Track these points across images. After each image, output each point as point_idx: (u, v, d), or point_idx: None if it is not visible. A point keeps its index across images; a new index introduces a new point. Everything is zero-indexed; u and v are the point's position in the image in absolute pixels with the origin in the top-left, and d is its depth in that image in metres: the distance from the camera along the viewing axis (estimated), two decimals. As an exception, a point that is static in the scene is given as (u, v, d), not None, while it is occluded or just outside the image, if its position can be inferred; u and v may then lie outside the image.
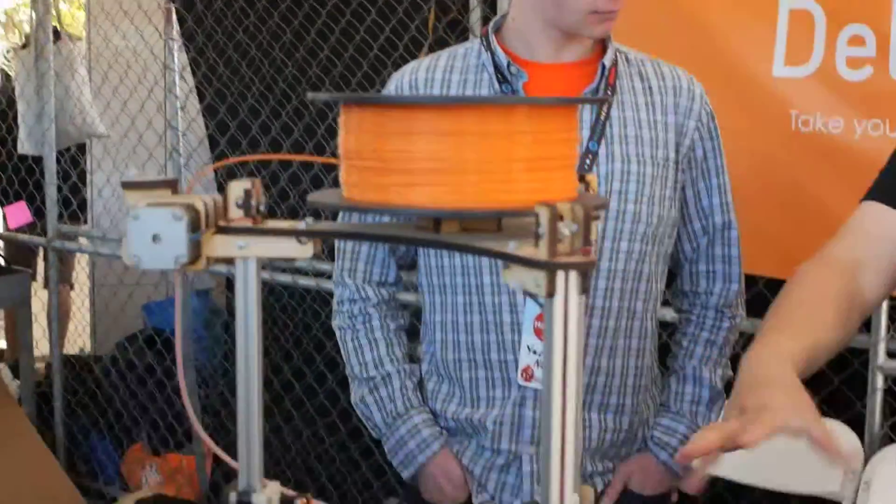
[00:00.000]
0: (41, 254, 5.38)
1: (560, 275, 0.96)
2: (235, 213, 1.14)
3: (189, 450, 4.18)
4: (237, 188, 1.13)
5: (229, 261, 1.13)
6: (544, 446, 0.82)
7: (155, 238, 1.05)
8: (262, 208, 1.16)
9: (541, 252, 0.97)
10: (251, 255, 1.11)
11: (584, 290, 0.97)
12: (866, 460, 2.64)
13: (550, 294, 0.96)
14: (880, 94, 2.48)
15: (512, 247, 1.01)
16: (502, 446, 1.91)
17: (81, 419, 4.58)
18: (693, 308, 2.02)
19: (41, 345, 4.72)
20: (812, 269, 1.62)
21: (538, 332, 1.87)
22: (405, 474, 1.99)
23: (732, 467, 2.81)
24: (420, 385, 2.02)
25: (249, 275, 1.11)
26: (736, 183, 2.04)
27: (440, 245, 1.12)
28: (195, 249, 1.07)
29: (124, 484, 4.37)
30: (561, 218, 0.97)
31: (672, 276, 2.05)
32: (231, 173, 3.22)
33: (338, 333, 2.03)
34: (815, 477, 2.68)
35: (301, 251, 1.12)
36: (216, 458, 4.14)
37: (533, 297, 0.98)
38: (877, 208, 1.65)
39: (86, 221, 5.31)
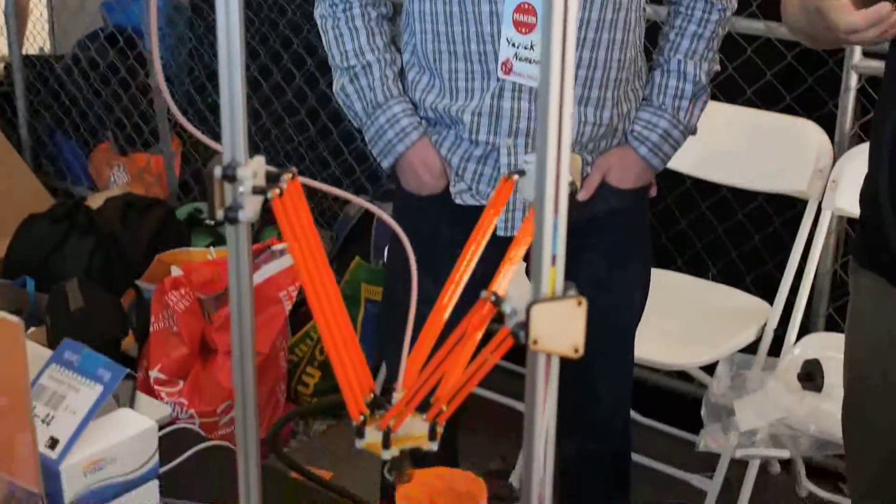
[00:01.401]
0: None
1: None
2: None
3: (157, 149, 4.16)
4: None
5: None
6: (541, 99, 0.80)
7: None
8: None
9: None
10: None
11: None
12: (835, 159, 2.67)
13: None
14: None
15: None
16: (480, 137, 1.90)
17: (45, 120, 4.54)
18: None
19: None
20: None
21: (518, 25, 1.83)
22: (385, 163, 1.99)
23: (698, 165, 2.84)
24: (401, 75, 2.00)
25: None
26: None
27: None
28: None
29: (92, 184, 4.37)
30: None
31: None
32: None
33: (319, 22, 1.99)
34: (783, 175, 2.73)
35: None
36: (184, 158, 4.14)
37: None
38: None
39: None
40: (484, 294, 0.91)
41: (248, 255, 1.06)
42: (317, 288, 1.04)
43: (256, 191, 1.02)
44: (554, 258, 0.78)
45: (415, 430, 1.06)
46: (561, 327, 0.81)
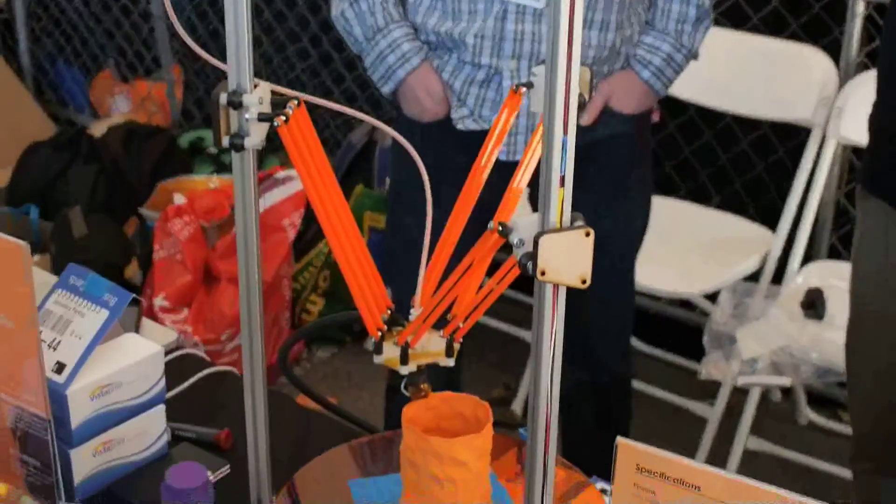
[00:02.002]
0: None
1: None
2: None
3: (158, 76, 4.14)
4: None
5: None
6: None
7: None
8: None
9: None
10: None
11: None
12: (841, 87, 2.66)
13: None
14: None
15: None
16: (483, 61, 1.89)
17: (46, 47, 4.51)
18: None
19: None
20: None
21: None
22: (385, 89, 1.97)
23: (702, 93, 2.82)
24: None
25: None
26: None
27: None
28: None
29: (94, 112, 4.35)
30: None
31: None
32: None
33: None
34: (787, 103, 2.71)
35: None
36: (186, 86, 4.11)
37: None
38: None
39: None
40: (491, 225, 0.91)
41: (254, 182, 1.06)
42: (328, 210, 1.05)
43: (262, 118, 1.02)
44: (562, 179, 0.78)
45: (432, 346, 1.07)
46: (568, 258, 0.81)
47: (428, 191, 1.07)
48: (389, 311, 1.10)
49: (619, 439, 0.82)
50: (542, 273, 0.82)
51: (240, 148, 1.02)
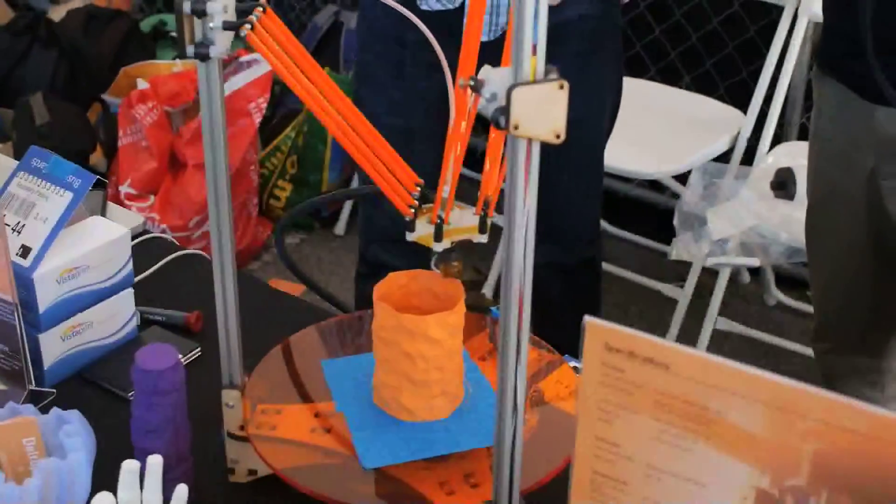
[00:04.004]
0: None
1: None
2: None
3: (117, -41, 4.03)
4: None
5: None
6: None
7: None
8: None
9: None
10: None
11: None
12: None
13: None
14: None
15: None
16: None
17: (0, -71, 4.37)
18: None
19: None
20: None
21: None
22: None
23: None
24: None
25: None
26: None
27: None
28: None
29: (52, -4, 4.25)
30: None
31: None
32: None
33: None
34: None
35: None
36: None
37: None
38: None
39: None
40: (462, 82, 0.88)
41: (220, 92, 1.04)
42: (325, 107, 1.02)
43: (227, 26, 0.99)
44: (534, 48, 0.76)
45: (465, 222, 1.06)
46: (542, 111, 0.79)
47: (446, 68, 1.03)
48: (419, 188, 1.08)
49: (587, 318, 0.81)
50: (516, 127, 0.80)
51: (205, 57, 0.99)
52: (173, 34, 3.59)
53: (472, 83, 0.85)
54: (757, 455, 0.76)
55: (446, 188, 1.06)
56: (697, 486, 0.79)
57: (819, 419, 0.72)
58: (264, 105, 3.07)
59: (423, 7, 1.90)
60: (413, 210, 1.07)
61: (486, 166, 1.03)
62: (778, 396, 0.73)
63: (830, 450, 0.72)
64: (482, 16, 0.98)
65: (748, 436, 0.75)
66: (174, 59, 3.40)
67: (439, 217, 1.06)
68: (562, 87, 0.79)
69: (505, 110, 0.79)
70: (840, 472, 0.72)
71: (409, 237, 1.08)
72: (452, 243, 1.09)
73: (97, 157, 3.15)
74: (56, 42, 3.33)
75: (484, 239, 1.09)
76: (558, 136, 0.80)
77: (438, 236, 1.07)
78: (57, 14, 3.58)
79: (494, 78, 0.81)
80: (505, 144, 0.84)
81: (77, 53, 3.34)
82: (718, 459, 0.77)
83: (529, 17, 0.77)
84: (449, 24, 1.66)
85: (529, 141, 0.81)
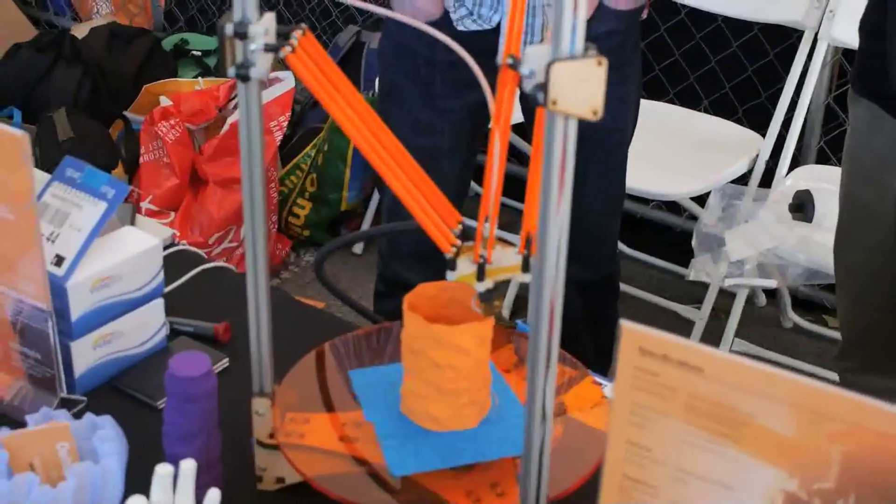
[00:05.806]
0: None
1: None
2: None
3: (140, -21, 4.07)
4: None
5: None
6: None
7: None
8: None
9: None
10: None
11: None
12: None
13: None
14: None
15: None
16: None
17: (24, -52, 4.42)
18: None
19: None
20: None
21: None
22: None
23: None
24: None
25: None
26: None
27: None
28: None
29: (75, 14, 4.29)
30: None
31: None
32: None
33: None
34: (779, 5, 2.70)
35: None
36: (169, -12, 4.05)
37: None
38: None
39: None
40: (500, 60, 0.88)
41: (260, 112, 1.05)
42: (365, 136, 1.02)
43: (268, 48, 1.01)
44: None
45: (507, 262, 1.03)
46: (581, 87, 0.80)
47: (483, 82, 1.03)
48: (460, 226, 1.06)
49: (623, 323, 0.82)
50: (554, 103, 0.80)
51: (246, 78, 1.02)
52: (195, 52, 3.62)
53: (510, 61, 0.85)
54: (785, 458, 0.77)
55: (486, 226, 1.04)
56: (726, 489, 0.80)
57: (848, 421, 0.73)
58: (285, 123, 3.09)
59: (460, 28, 1.92)
60: (455, 249, 1.05)
61: (527, 200, 1.00)
62: (807, 398, 0.74)
63: (859, 452, 0.73)
64: (523, 12, 0.98)
65: (777, 438, 0.76)
66: (196, 77, 3.44)
67: (482, 257, 1.03)
68: (600, 63, 0.80)
69: (543, 86, 0.79)
70: (868, 474, 0.74)
71: (450, 277, 1.05)
72: (495, 283, 1.07)
73: (118, 174, 3.18)
74: (79, 59, 3.36)
75: (527, 279, 1.03)
76: (595, 113, 0.80)
77: (481, 276, 1.04)
78: (80, 31, 3.62)
79: (534, 55, 0.81)
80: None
81: (100, 70, 3.37)
82: (747, 462, 0.78)
83: (567, 26, 0.79)
84: (483, 45, 1.68)
85: (566, 120, 0.82)
